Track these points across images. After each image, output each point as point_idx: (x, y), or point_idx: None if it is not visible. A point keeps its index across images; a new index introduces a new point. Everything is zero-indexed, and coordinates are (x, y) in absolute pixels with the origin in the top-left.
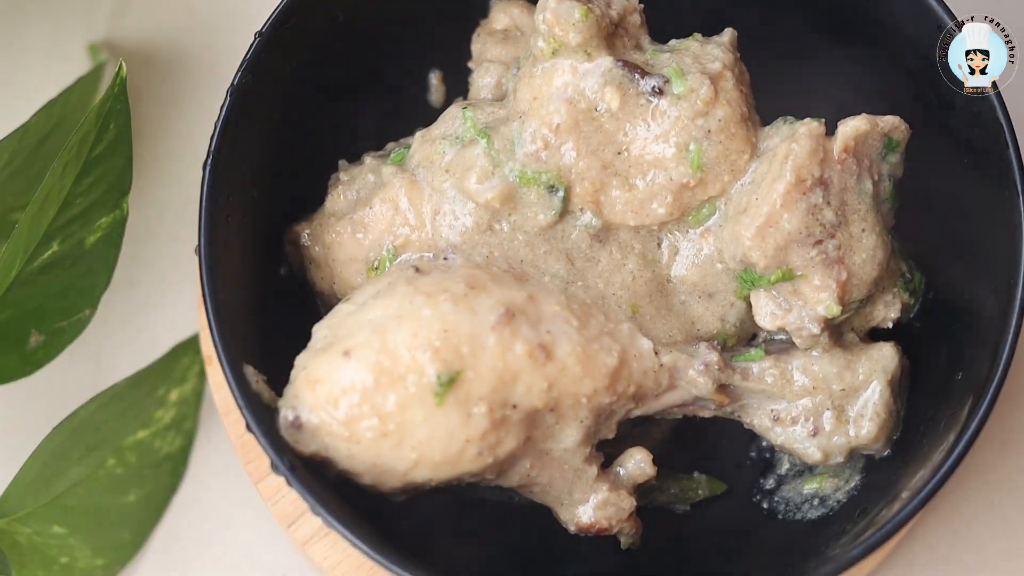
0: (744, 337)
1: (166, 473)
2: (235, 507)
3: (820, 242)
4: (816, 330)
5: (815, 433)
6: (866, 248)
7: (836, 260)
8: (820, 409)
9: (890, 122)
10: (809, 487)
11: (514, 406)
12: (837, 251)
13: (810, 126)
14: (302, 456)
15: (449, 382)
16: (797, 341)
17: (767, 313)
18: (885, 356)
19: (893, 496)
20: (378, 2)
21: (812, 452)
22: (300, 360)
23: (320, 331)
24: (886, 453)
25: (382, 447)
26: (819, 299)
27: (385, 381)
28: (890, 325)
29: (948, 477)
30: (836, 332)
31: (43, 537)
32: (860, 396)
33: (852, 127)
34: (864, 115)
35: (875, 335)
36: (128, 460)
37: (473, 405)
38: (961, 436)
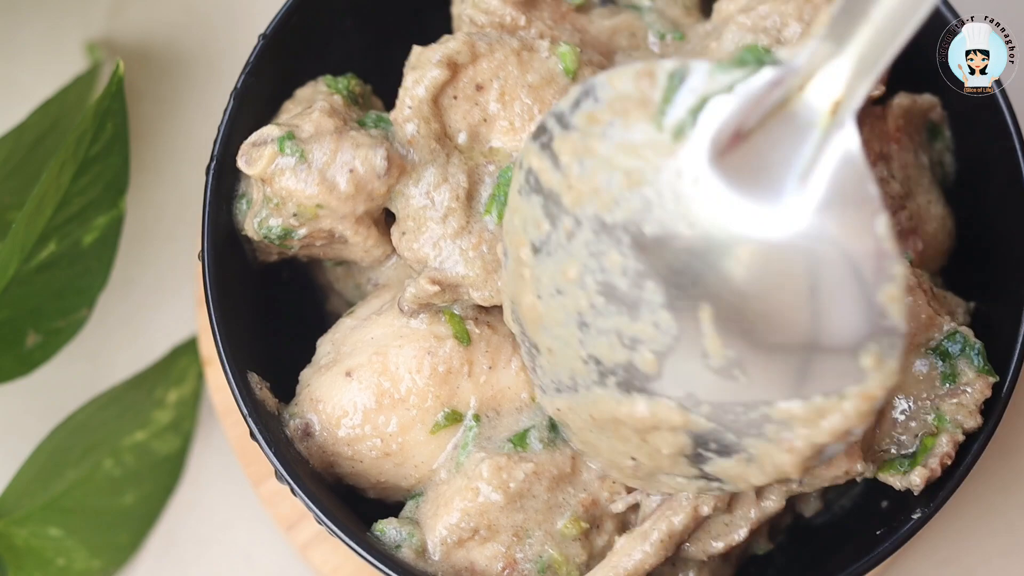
0: None
1: (164, 475)
2: (233, 509)
3: (894, 214)
4: None
5: None
6: (935, 218)
7: (910, 231)
8: None
9: (927, 99)
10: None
11: None
12: (910, 222)
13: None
14: (311, 467)
15: (452, 417)
16: None
17: None
18: None
19: (899, 503)
20: (382, 4)
21: None
22: (304, 376)
23: (324, 346)
24: None
25: (384, 466)
26: None
27: (387, 403)
28: None
29: (959, 485)
30: None
31: (40, 539)
32: None
33: (897, 103)
34: (901, 92)
35: None
36: (126, 462)
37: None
38: (970, 445)
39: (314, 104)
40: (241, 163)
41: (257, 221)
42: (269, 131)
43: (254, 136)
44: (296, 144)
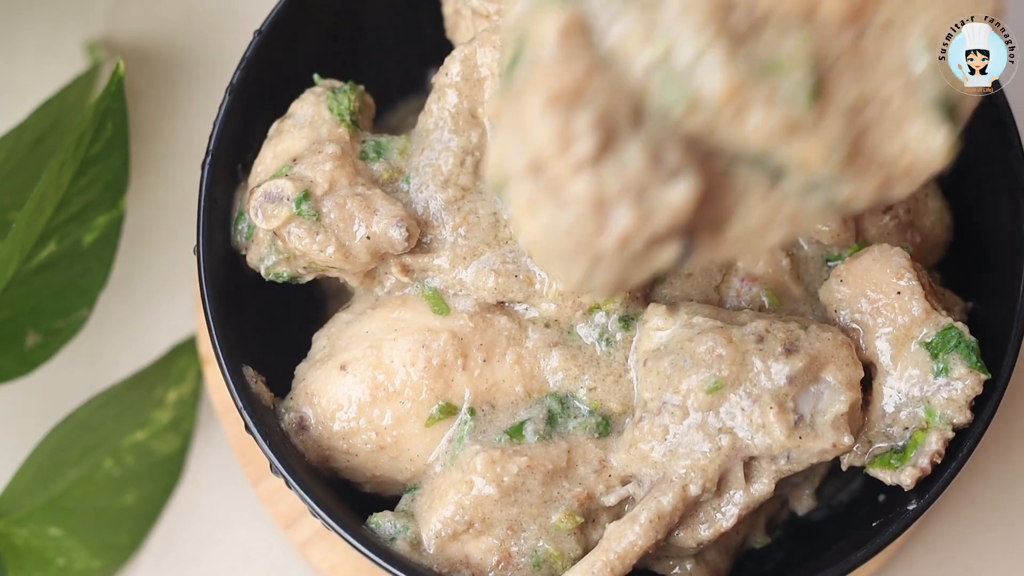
0: None
1: (164, 474)
2: (233, 509)
3: (891, 207)
4: None
5: None
6: (933, 211)
7: (907, 224)
8: None
9: None
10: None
11: None
12: (908, 215)
13: None
14: (306, 461)
15: (446, 410)
16: None
17: None
18: None
19: (896, 496)
20: (378, 1)
21: None
22: (299, 371)
23: (319, 340)
24: None
25: (380, 459)
26: None
27: (381, 396)
28: None
29: (953, 477)
30: None
31: (40, 538)
32: None
33: None
34: None
35: None
36: (126, 461)
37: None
38: (966, 437)
39: (322, 144)
40: (256, 218)
41: (264, 266)
42: (283, 187)
43: (268, 187)
44: (312, 206)
